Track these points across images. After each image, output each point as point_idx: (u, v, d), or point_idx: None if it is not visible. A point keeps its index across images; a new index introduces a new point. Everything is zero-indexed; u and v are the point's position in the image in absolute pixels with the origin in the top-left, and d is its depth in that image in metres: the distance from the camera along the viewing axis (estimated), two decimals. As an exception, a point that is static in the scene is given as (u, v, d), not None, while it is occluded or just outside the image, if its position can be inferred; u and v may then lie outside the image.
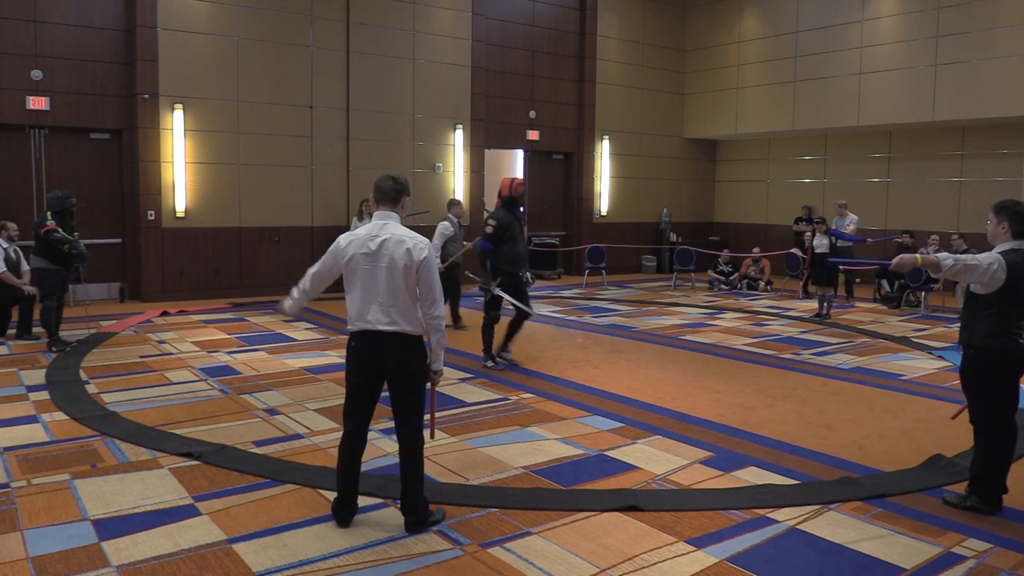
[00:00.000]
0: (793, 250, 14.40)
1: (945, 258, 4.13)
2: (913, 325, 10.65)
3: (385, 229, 3.81)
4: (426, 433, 4.05)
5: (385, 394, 3.92)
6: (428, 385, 4.01)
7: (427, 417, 4.12)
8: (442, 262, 9.04)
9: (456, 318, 9.92)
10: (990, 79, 12.83)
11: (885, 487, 4.54)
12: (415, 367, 3.82)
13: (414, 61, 13.86)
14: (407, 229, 3.86)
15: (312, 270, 4.04)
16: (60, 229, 8.22)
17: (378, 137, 13.57)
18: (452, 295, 9.66)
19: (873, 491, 4.47)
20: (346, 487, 3.92)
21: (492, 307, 7.50)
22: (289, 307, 4.18)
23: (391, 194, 3.88)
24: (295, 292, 4.13)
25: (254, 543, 3.74)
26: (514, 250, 7.44)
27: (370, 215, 12.28)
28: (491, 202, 16.89)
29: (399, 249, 3.75)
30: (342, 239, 3.90)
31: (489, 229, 7.37)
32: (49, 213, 8.31)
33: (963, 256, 4.20)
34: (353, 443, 3.92)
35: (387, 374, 3.83)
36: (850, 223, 12.79)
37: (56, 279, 8.38)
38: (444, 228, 9.39)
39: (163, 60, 11.60)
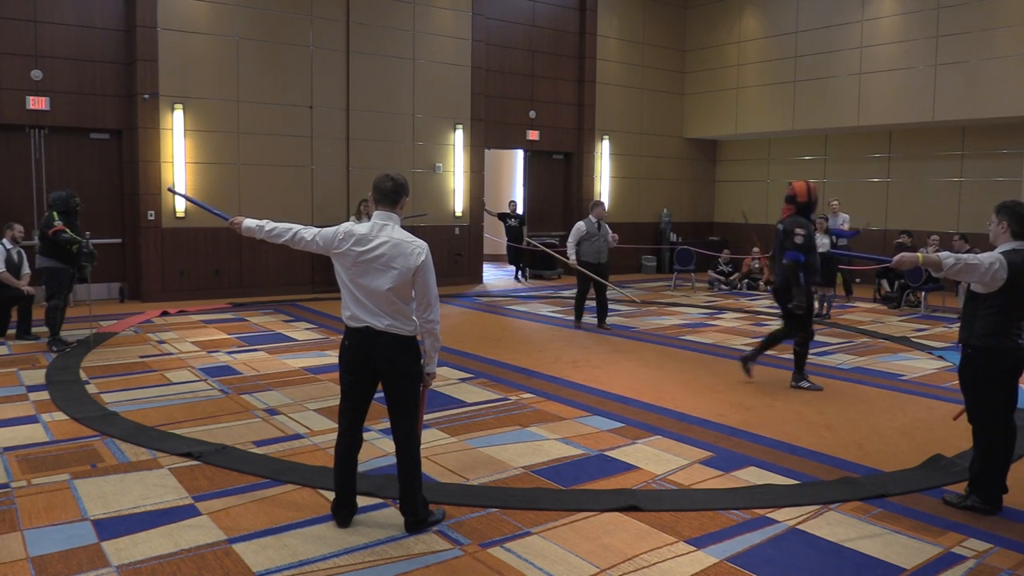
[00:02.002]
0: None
1: (946, 257, 4.14)
2: (913, 325, 10.65)
3: (384, 231, 3.79)
4: (425, 435, 4.04)
5: (380, 394, 3.92)
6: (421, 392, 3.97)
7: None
8: (579, 263, 9.87)
9: (605, 315, 10.09)
10: (990, 79, 12.83)
11: (885, 487, 4.54)
12: (408, 367, 3.81)
13: (414, 61, 13.87)
14: (406, 232, 3.85)
15: (305, 232, 3.95)
16: (68, 229, 8.23)
17: (378, 137, 13.57)
18: (602, 291, 9.97)
19: (873, 491, 4.47)
20: (344, 486, 3.93)
21: (805, 324, 6.90)
22: (247, 227, 4.07)
23: (390, 195, 3.85)
24: (270, 224, 4.03)
25: (254, 543, 3.74)
26: (812, 261, 6.74)
27: (368, 215, 12.39)
28: (491, 202, 16.94)
29: (396, 252, 3.74)
30: (343, 228, 3.85)
31: (799, 239, 6.63)
32: (55, 213, 8.31)
33: (964, 256, 4.21)
34: (348, 442, 3.92)
35: (380, 374, 3.83)
36: (842, 222, 12.83)
37: (64, 278, 8.40)
38: (578, 228, 9.95)
39: (163, 60, 11.60)
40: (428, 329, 3.84)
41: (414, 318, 3.82)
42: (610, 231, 10.16)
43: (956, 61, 13.27)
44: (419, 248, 3.77)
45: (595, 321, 10.18)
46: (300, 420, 5.78)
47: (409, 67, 13.82)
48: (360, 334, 3.79)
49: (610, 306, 10.48)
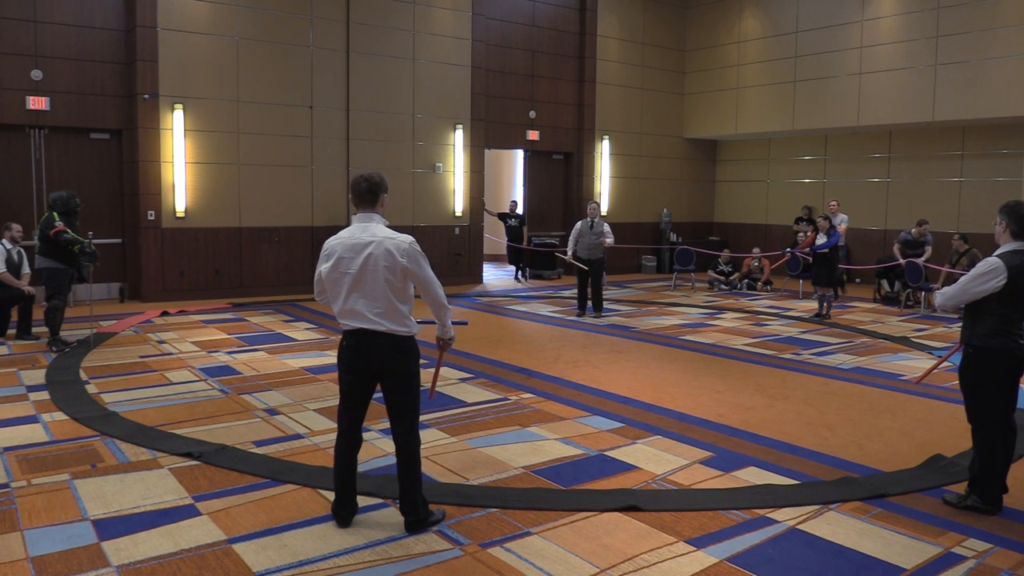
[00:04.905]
0: (787, 249, 14.40)
1: (938, 298, 4.39)
2: (913, 325, 10.64)
3: (367, 231, 3.81)
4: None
5: (380, 394, 3.93)
6: (438, 355, 4.31)
7: (424, 408, 4.11)
8: (573, 257, 10.90)
9: (597, 304, 10.93)
10: (990, 79, 12.83)
11: (885, 487, 4.54)
12: (406, 367, 3.83)
13: (414, 61, 13.86)
14: (389, 230, 3.86)
15: (317, 283, 4.00)
16: (69, 230, 8.23)
17: (378, 137, 13.57)
18: (594, 284, 10.89)
19: (873, 491, 4.47)
20: (344, 486, 3.93)
21: None
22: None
23: (367, 195, 3.86)
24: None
25: (254, 543, 3.74)
26: None
27: None
28: (491, 202, 16.94)
29: (381, 250, 3.74)
30: (327, 244, 3.89)
31: None
32: (56, 214, 8.31)
33: (947, 289, 4.35)
34: (347, 442, 3.92)
35: (378, 374, 3.84)
36: (841, 222, 12.84)
37: (64, 278, 8.39)
38: (576, 227, 11.02)
39: (163, 60, 11.60)
40: (438, 304, 3.92)
41: (411, 318, 3.83)
42: (605, 230, 10.84)
43: (956, 61, 13.26)
44: (405, 242, 3.78)
45: (595, 319, 10.64)
46: (300, 420, 5.78)
47: (409, 67, 13.82)
48: (357, 335, 3.80)
49: (612, 306, 10.73)
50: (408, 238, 3.81)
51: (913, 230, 12.52)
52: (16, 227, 8.87)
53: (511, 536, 3.85)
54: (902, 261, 12.16)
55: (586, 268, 10.75)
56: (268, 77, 12.48)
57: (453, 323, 4.12)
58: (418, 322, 3.92)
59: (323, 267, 3.87)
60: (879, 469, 4.90)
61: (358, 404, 3.92)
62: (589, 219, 10.86)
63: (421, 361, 3.97)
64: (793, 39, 15.81)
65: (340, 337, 3.96)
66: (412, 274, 3.78)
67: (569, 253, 10.96)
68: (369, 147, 13.47)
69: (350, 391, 3.90)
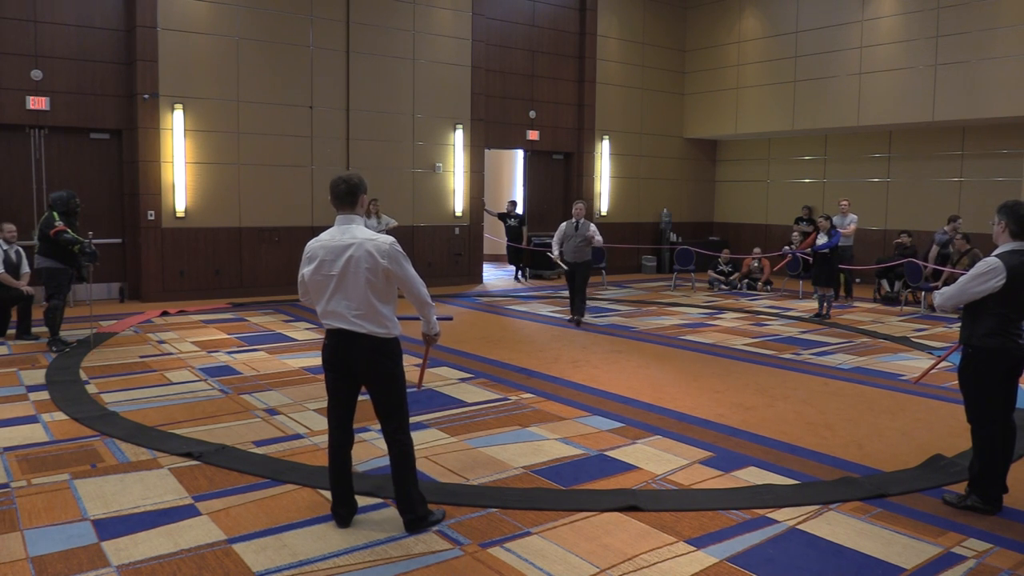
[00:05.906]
0: (786, 248, 14.38)
1: (936, 298, 4.41)
2: (913, 325, 10.64)
3: (347, 233, 3.81)
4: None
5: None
6: (424, 350, 4.44)
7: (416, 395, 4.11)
8: (561, 260, 10.33)
9: (579, 313, 10.40)
10: (990, 79, 12.83)
11: (885, 487, 4.54)
12: (388, 370, 3.82)
13: (414, 61, 13.86)
14: (369, 231, 3.85)
15: (300, 283, 3.98)
16: (69, 230, 8.23)
17: (378, 137, 13.57)
18: (579, 290, 10.35)
19: (873, 491, 4.47)
20: (340, 484, 3.93)
21: None
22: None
23: (346, 197, 3.86)
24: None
25: (254, 543, 3.74)
26: None
27: (375, 214, 12.41)
28: (491, 202, 16.93)
29: (362, 252, 3.74)
30: (309, 246, 3.90)
31: None
32: (56, 214, 8.30)
33: (946, 289, 4.36)
34: (339, 440, 3.93)
35: (360, 375, 3.84)
36: (851, 222, 12.81)
37: (64, 278, 8.40)
38: (560, 228, 10.41)
39: (163, 60, 11.60)
40: (421, 302, 3.92)
41: (393, 320, 3.82)
42: (590, 231, 10.13)
43: (956, 61, 13.26)
44: (385, 243, 3.78)
45: (595, 319, 10.54)
46: (300, 420, 5.78)
47: (409, 67, 13.82)
48: (337, 336, 3.81)
49: (612, 306, 10.66)
50: (389, 239, 3.81)
51: (946, 227, 12.41)
52: (7, 227, 8.79)
53: (511, 536, 3.85)
54: (945, 268, 11.57)
55: (566, 268, 10.25)
56: (268, 77, 12.48)
57: (438, 319, 4.12)
58: (400, 318, 3.91)
59: (305, 270, 3.87)
60: (879, 469, 4.90)
61: (344, 401, 3.93)
62: (574, 220, 10.23)
63: (417, 362, 3.97)
64: (793, 39, 15.81)
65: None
66: (394, 274, 3.78)
67: (555, 253, 10.34)
68: (369, 147, 13.47)
69: (335, 389, 3.92)
